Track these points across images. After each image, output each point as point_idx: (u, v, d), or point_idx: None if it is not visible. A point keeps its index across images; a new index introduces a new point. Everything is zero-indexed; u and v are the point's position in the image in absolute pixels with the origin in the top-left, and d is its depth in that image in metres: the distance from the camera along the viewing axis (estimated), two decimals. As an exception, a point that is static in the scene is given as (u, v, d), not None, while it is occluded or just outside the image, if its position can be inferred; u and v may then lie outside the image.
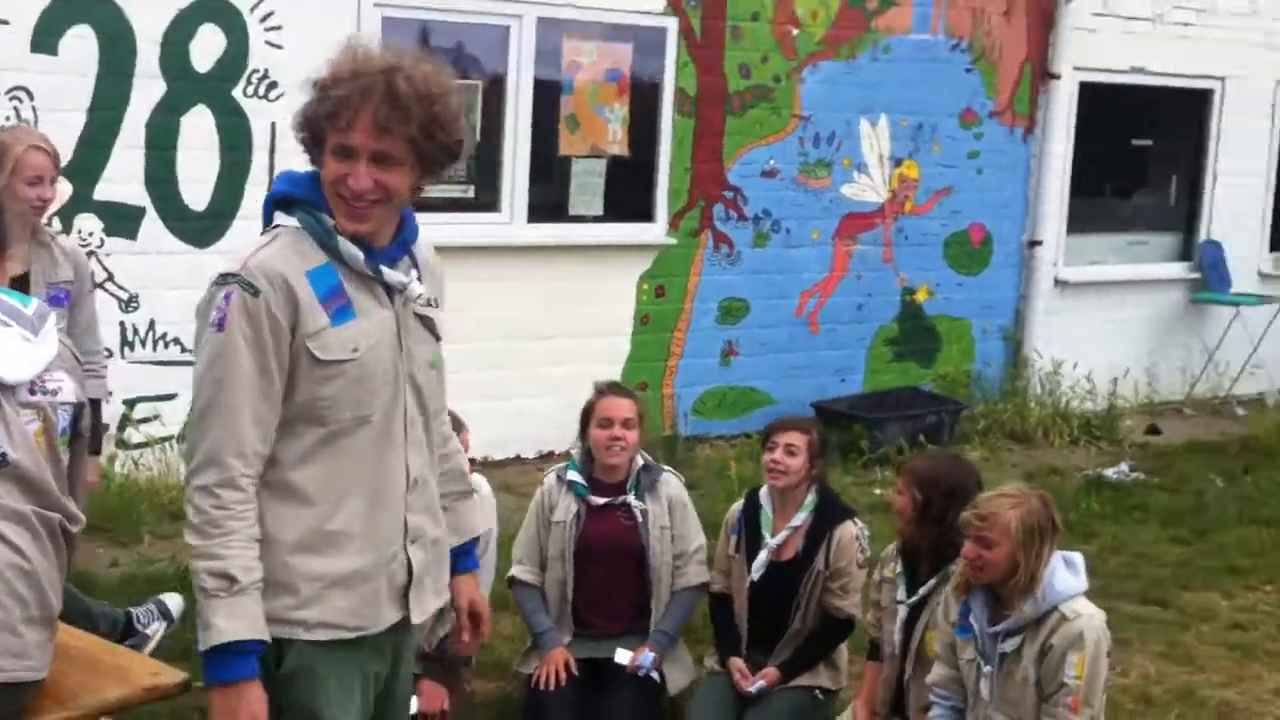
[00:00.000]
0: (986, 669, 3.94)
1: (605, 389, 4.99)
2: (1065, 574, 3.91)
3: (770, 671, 4.77)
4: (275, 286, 2.77)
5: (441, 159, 2.87)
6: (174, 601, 5.15)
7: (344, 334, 2.83)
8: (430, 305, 3.02)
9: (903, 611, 4.38)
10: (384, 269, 2.88)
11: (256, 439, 2.78)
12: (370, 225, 2.84)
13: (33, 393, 3.19)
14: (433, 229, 7.93)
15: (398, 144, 2.77)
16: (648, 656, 4.76)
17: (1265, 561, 6.93)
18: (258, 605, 2.77)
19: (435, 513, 3.06)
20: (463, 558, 3.27)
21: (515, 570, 4.95)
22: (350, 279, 2.85)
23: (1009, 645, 3.90)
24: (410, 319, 2.96)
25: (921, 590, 4.34)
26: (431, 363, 3.02)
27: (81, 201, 6.99)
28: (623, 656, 4.77)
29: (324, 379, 2.81)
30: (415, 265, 2.99)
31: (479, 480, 4.74)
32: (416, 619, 3.00)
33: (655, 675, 4.76)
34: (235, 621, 2.74)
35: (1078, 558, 4.01)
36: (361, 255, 2.85)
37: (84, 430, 3.35)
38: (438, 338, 3.04)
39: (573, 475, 4.94)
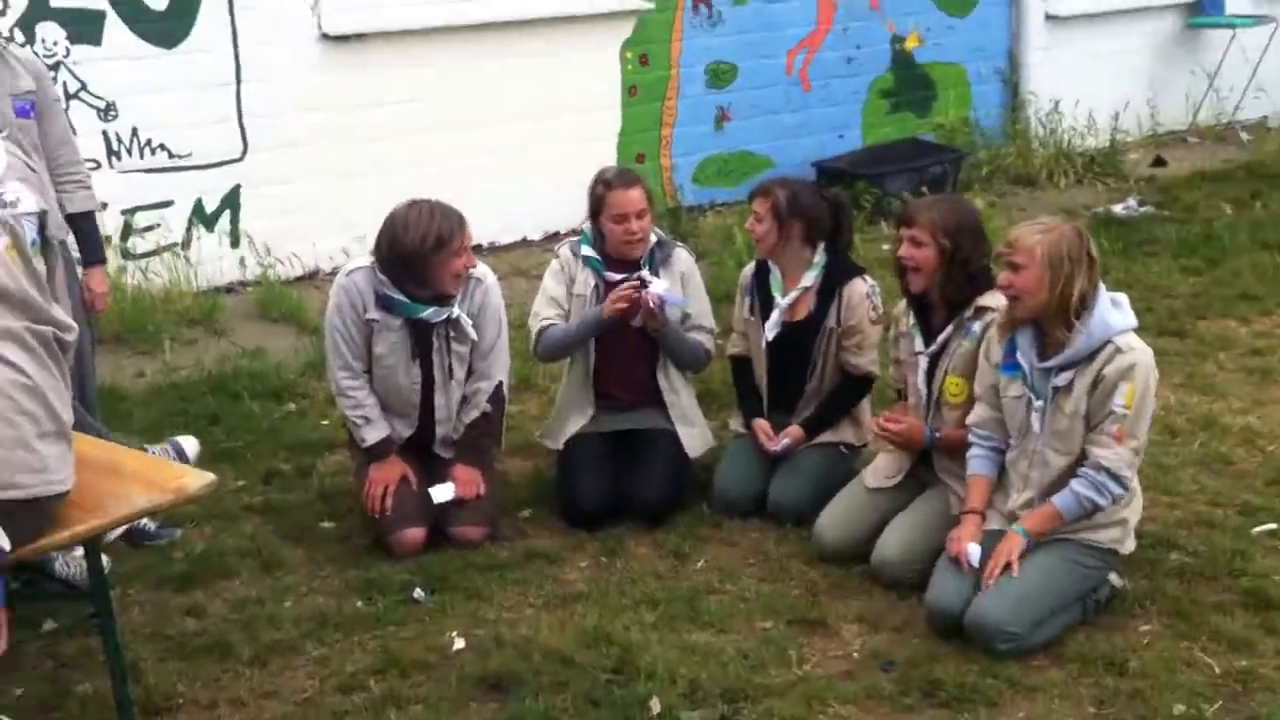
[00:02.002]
0: (1038, 404, 3.92)
1: (613, 180, 4.80)
2: (1115, 311, 3.87)
3: (794, 430, 4.77)
4: None
5: None
6: (190, 445, 4.87)
7: None
8: None
9: (923, 362, 4.33)
10: None
11: None
12: None
13: None
14: (403, 10, 7.91)
15: None
16: (673, 296, 4.68)
17: (1279, 286, 6.88)
18: None
19: None
20: None
21: (542, 324, 4.80)
22: None
23: (1061, 379, 3.87)
24: None
25: (940, 338, 4.28)
26: None
27: (40, 9, 6.71)
28: (657, 286, 4.66)
29: None
30: None
31: (483, 270, 4.66)
32: None
33: (675, 304, 4.70)
34: None
35: (1122, 297, 3.95)
36: None
37: (52, 238, 3.24)
38: None
39: (587, 250, 4.84)
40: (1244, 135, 10.42)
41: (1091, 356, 3.83)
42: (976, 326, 4.16)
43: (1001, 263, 3.88)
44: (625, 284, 4.67)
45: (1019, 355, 3.94)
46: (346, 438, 4.83)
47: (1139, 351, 3.85)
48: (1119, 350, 3.82)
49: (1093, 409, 3.84)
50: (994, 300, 4.09)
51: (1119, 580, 4.06)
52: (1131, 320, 3.90)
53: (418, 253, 4.39)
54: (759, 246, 4.79)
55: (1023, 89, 9.89)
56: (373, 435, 4.57)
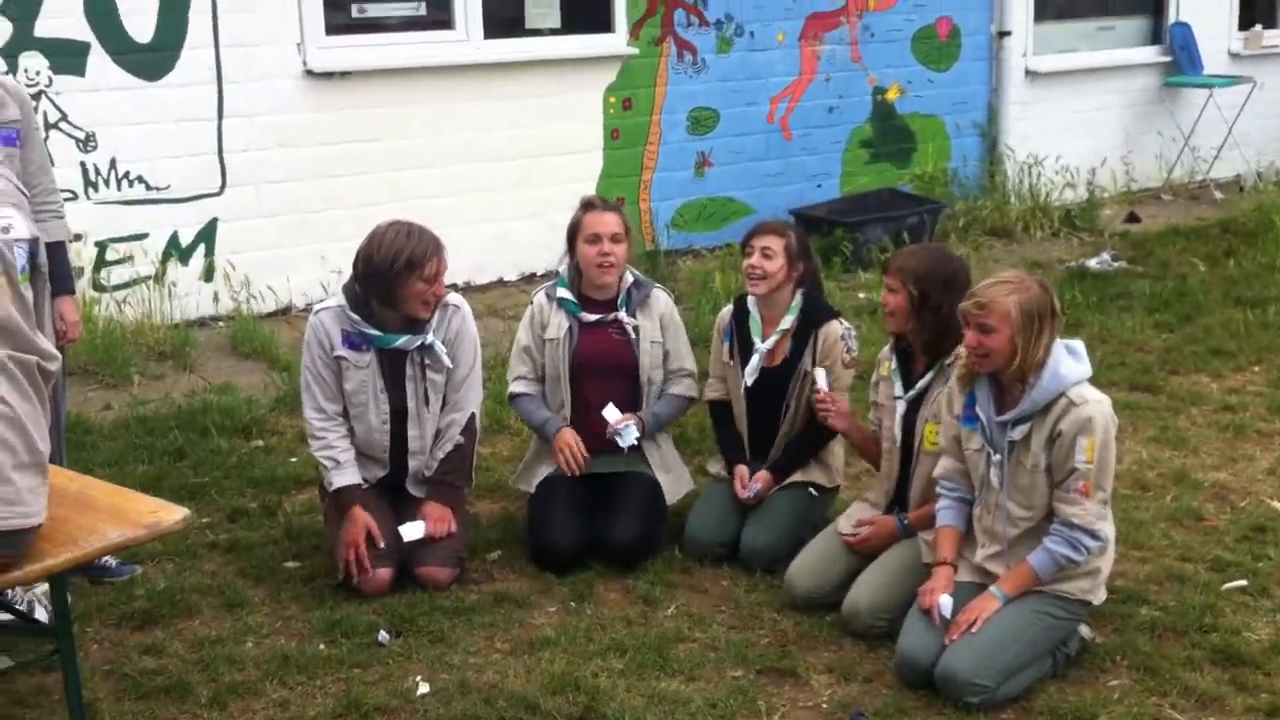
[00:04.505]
0: (996, 458, 3.91)
1: (590, 203, 4.85)
2: (1069, 360, 3.85)
3: (762, 475, 4.75)
4: None
5: None
6: None
7: None
8: None
9: (901, 407, 4.33)
10: None
11: None
12: None
13: None
14: (387, 50, 7.93)
15: None
16: (630, 429, 4.72)
17: (1251, 343, 6.94)
18: None
19: None
20: None
21: (514, 387, 4.87)
22: None
23: (1017, 433, 3.86)
24: None
25: (919, 385, 4.29)
26: None
27: (23, 39, 6.71)
28: (611, 414, 4.73)
29: None
30: None
31: (458, 299, 4.66)
32: None
33: (634, 438, 4.74)
34: None
35: (1079, 344, 3.94)
36: None
37: (42, 266, 3.21)
38: None
39: (562, 292, 4.83)
40: (1217, 194, 10.52)
41: (1046, 409, 3.82)
42: None
43: (971, 322, 3.85)
44: (581, 455, 4.71)
45: (978, 408, 3.94)
46: (317, 476, 4.78)
47: (1093, 403, 3.82)
48: (1073, 403, 3.81)
49: (1054, 464, 3.83)
50: None
51: (1089, 632, 4.06)
52: (1086, 369, 3.89)
53: (388, 270, 4.38)
54: (762, 284, 4.70)
55: (1001, 142, 9.97)
56: (340, 480, 4.52)
